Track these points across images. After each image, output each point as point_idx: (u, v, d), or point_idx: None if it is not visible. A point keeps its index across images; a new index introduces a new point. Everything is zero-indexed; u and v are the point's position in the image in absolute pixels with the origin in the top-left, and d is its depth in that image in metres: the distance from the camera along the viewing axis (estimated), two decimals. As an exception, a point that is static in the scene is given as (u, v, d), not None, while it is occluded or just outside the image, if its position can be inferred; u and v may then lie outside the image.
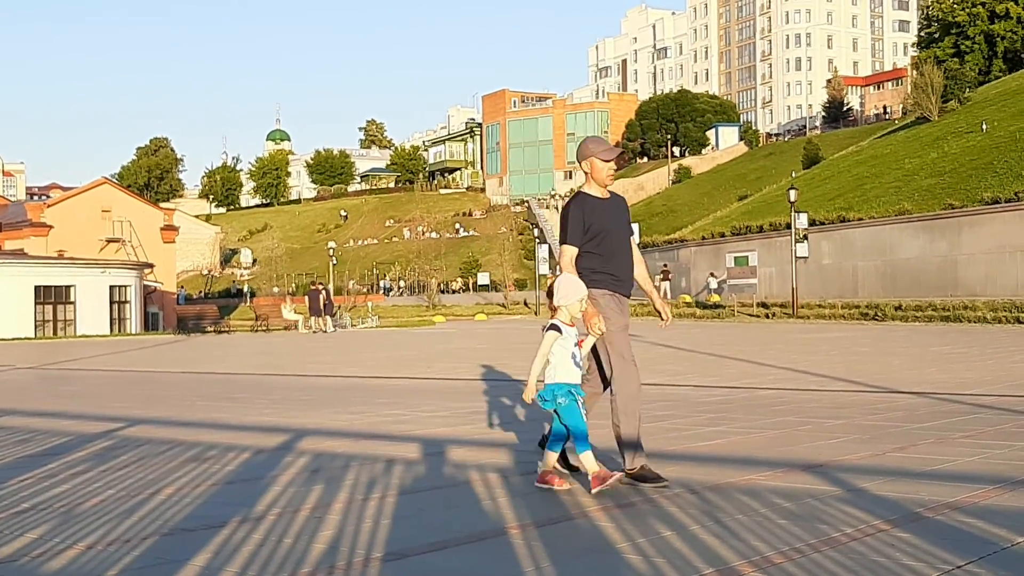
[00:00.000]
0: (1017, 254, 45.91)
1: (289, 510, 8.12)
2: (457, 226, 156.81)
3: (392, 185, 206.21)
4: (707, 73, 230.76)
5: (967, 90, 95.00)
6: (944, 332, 34.88)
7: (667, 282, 73.20)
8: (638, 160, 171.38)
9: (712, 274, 65.63)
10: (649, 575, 6.04)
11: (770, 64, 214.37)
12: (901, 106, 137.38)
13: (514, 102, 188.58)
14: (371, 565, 6.38)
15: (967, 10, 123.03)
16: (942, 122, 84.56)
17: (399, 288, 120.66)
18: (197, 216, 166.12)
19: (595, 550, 6.62)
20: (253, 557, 6.60)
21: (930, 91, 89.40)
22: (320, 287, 61.07)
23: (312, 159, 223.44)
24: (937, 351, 26.05)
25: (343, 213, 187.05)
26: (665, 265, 76.57)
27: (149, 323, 74.96)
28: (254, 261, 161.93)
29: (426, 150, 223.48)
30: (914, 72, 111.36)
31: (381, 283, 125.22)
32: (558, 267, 9.53)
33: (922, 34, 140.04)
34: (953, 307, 40.87)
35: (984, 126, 70.44)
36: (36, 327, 63.71)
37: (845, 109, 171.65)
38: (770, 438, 11.72)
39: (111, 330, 65.93)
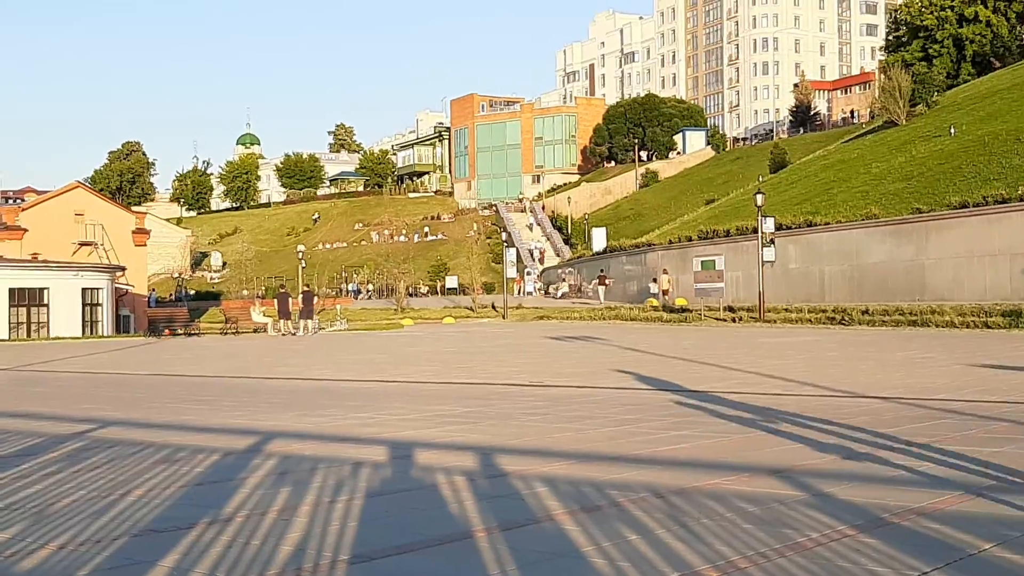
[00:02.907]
0: (985, 258, 45.95)
1: (257, 512, 8.15)
2: (425, 230, 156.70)
3: (361, 189, 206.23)
4: (674, 77, 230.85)
5: (935, 94, 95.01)
6: (911, 337, 34.96)
7: (603, 287, 73.98)
8: (605, 164, 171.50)
9: (654, 280, 65.77)
10: (614, 578, 6.10)
11: (737, 68, 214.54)
12: (869, 110, 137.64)
13: (482, 106, 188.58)
14: (337, 567, 6.42)
15: (935, 14, 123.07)
16: (910, 126, 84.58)
17: (367, 291, 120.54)
18: (168, 219, 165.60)
19: (561, 554, 6.65)
20: (221, 559, 6.64)
21: (898, 95, 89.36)
22: (307, 289, 61.52)
23: (282, 163, 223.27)
24: (904, 355, 26.11)
25: (315, 216, 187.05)
26: (602, 270, 77.78)
27: (120, 325, 74.86)
28: (224, 264, 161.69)
29: (395, 154, 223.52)
30: (882, 76, 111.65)
31: (349, 286, 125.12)
32: None
33: (890, 38, 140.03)
34: (920, 311, 40.83)
35: (952, 130, 70.48)
36: (10, 329, 63.67)
37: (812, 113, 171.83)
38: (736, 442, 11.78)
39: (83, 332, 65.84)
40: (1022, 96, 73.12)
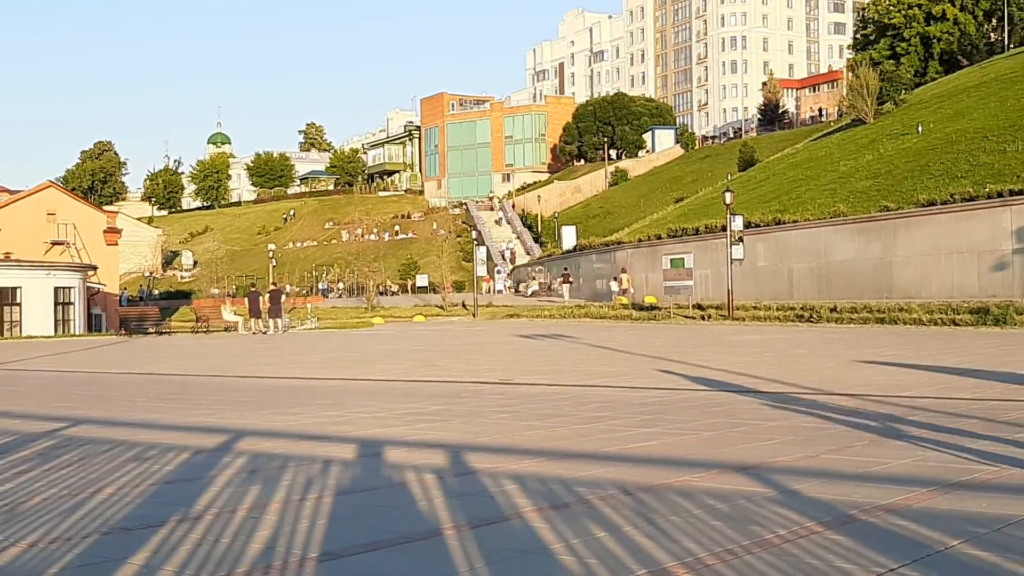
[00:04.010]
0: (952, 256, 46.00)
1: (226, 510, 8.15)
2: (396, 228, 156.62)
3: (331, 188, 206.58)
4: (643, 76, 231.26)
5: (903, 92, 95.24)
6: (879, 334, 34.96)
7: (568, 285, 74.82)
8: (575, 163, 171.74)
9: (615, 278, 65.87)
10: None
11: (706, 67, 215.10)
12: (836, 108, 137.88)
13: (452, 105, 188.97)
14: (307, 565, 6.42)
15: (903, 12, 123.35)
16: (877, 124, 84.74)
17: (338, 290, 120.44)
18: (139, 219, 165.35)
19: (529, 551, 6.67)
20: (191, 556, 6.64)
21: (865, 93, 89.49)
22: (275, 287, 61.57)
23: (252, 162, 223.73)
24: (872, 352, 26.11)
25: (291, 212, 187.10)
26: (566, 269, 79.45)
27: (92, 324, 74.76)
28: (195, 263, 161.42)
29: (365, 153, 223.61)
30: (849, 74, 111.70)
31: (320, 284, 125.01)
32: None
33: (858, 36, 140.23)
34: (888, 309, 40.78)
35: (920, 128, 70.59)
36: (-17, 328, 63.92)
37: (780, 112, 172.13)
38: (704, 440, 11.80)
39: (55, 331, 65.85)
40: (989, 94, 73.38)
